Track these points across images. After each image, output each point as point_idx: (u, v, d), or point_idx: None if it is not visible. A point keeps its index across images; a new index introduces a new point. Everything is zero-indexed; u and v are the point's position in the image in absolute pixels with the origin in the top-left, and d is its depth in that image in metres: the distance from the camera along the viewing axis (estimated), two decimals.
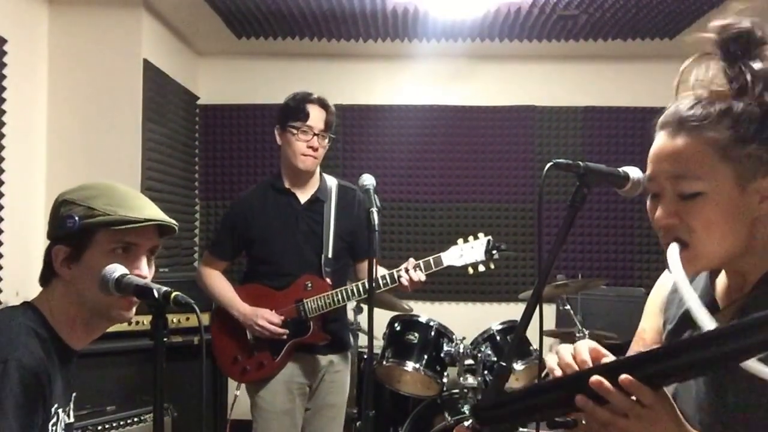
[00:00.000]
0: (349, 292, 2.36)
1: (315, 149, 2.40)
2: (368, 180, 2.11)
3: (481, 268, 2.38)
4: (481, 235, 2.40)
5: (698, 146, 0.91)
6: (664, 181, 0.94)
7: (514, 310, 3.91)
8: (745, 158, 0.89)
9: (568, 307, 3.08)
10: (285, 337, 2.38)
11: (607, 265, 4.21)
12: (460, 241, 2.40)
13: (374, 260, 1.99)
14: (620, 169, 1.07)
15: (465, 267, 2.37)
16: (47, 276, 1.30)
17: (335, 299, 2.36)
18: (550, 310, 3.51)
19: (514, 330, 3.00)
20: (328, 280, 2.41)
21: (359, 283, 2.37)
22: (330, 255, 2.43)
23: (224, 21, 3.70)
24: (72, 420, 1.34)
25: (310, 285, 2.40)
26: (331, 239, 2.44)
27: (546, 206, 4.02)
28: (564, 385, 0.87)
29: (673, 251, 0.92)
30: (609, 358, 0.91)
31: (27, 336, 1.20)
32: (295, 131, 2.39)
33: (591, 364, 0.88)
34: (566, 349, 0.91)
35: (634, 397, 0.82)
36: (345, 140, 4.24)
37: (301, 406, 2.45)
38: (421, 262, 2.33)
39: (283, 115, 2.44)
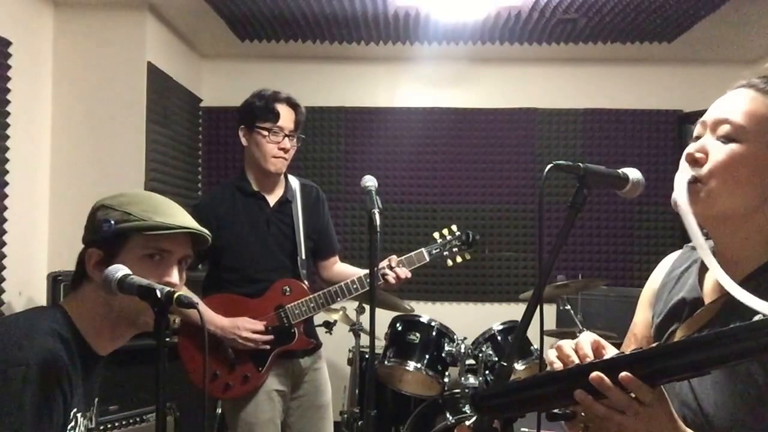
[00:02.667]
0: (333, 294, 2.30)
1: (286, 151, 2.30)
2: (370, 181, 2.07)
3: (459, 259, 2.43)
4: (454, 227, 2.44)
5: (754, 103, 0.95)
6: (711, 122, 0.97)
7: (514, 311, 3.94)
8: None
9: (568, 307, 3.10)
10: (269, 346, 2.27)
11: (607, 265, 4.23)
12: (436, 234, 2.43)
13: (376, 262, 1.96)
14: (620, 171, 1.07)
15: (444, 259, 2.41)
16: (78, 278, 1.30)
17: (319, 303, 2.29)
18: (550, 310, 3.52)
19: (515, 330, 3.01)
20: (305, 282, 2.34)
21: (342, 285, 2.31)
22: (304, 256, 2.36)
23: (227, 24, 3.72)
24: (93, 425, 1.34)
25: (288, 290, 2.30)
26: (303, 240, 2.36)
27: (546, 207, 4.04)
28: (564, 378, 0.87)
29: (681, 176, 0.94)
30: (610, 351, 0.92)
31: (52, 339, 1.20)
32: (265, 133, 2.28)
33: (592, 358, 0.89)
34: (568, 343, 0.92)
35: (632, 394, 0.83)
36: (347, 142, 4.26)
37: (282, 411, 2.36)
38: (403, 258, 2.32)
39: (249, 114, 2.32)
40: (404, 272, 2.28)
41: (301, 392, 2.39)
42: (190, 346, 2.32)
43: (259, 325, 2.26)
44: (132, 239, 1.26)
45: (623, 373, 0.81)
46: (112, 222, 1.25)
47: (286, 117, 2.32)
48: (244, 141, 2.35)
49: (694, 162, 0.96)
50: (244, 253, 2.31)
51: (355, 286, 2.31)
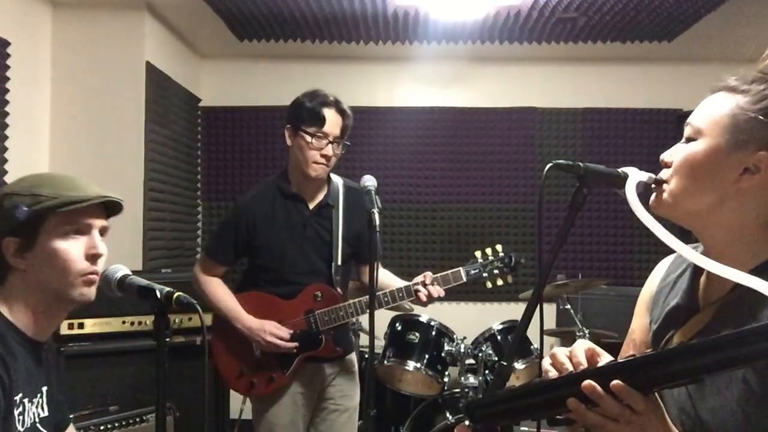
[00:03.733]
0: (364, 305, 2.23)
1: (328, 158, 2.23)
2: (370, 181, 2.08)
3: (500, 282, 2.31)
4: (498, 247, 2.32)
5: (718, 102, 0.96)
6: (685, 128, 1.00)
7: (514, 310, 3.93)
8: (747, 127, 0.92)
9: (568, 306, 3.10)
10: (295, 350, 2.26)
11: (607, 264, 4.23)
12: (478, 253, 2.32)
13: (376, 261, 1.97)
14: (620, 170, 1.06)
15: (483, 281, 2.30)
16: (2, 272, 1.29)
17: (348, 312, 2.25)
18: (550, 310, 3.53)
19: (515, 329, 3.02)
20: (338, 289, 2.31)
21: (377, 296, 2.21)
22: (339, 262, 2.31)
23: (226, 24, 3.71)
24: (47, 414, 1.33)
25: (320, 295, 2.28)
26: (341, 245, 2.31)
27: (546, 207, 4.04)
28: (557, 386, 0.87)
29: (632, 179, 0.98)
30: (605, 358, 0.92)
31: None
32: (308, 138, 2.21)
33: (586, 366, 0.89)
34: (562, 351, 0.92)
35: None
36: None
37: (306, 414, 2.35)
38: (439, 276, 2.23)
39: (296, 115, 2.25)
40: (437, 291, 2.19)
41: (328, 396, 2.37)
42: (222, 343, 2.33)
43: (285, 333, 2.24)
44: (47, 220, 1.25)
45: (614, 382, 0.81)
46: (24, 207, 1.24)
47: (333, 122, 2.24)
48: (288, 141, 2.29)
49: (665, 165, 1.00)
50: (278, 255, 2.29)
51: (386, 299, 2.24)
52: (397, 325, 3.07)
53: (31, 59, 3.16)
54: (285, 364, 2.29)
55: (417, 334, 2.97)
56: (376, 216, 1.96)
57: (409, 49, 4.04)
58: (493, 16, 3.54)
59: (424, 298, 2.19)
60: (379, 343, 3.07)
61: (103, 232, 1.33)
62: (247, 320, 2.26)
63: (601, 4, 3.33)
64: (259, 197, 2.35)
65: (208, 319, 3.15)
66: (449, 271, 2.25)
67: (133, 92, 3.35)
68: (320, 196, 2.33)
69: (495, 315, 3.35)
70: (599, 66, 4.24)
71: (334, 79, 4.21)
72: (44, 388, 1.34)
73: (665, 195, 0.98)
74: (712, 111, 0.96)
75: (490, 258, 2.30)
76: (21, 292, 1.27)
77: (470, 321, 3.47)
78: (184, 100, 3.95)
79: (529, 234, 4.22)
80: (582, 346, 0.92)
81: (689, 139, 0.97)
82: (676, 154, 0.98)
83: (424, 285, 2.20)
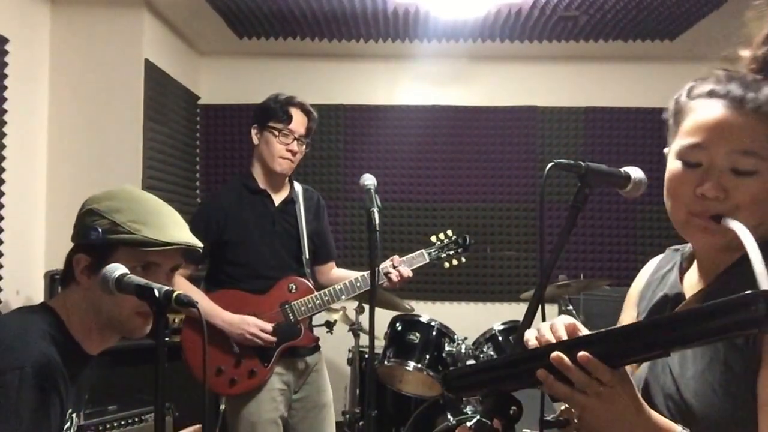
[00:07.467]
0: (338, 291, 2.37)
1: (294, 153, 2.39)
2: (369, 180, 2.09)
3: (455, 262, 2.58)
4: (449, 232, 2.60)
5: (765, 128, 0.92)
6: (720, 153, 0.92)
7: (515, 310, 3.91)
8: None
9: (570, 307, 3.08)
10: (274, 343, 2.33)
11: (609, 265, 4.21)
12: (433, 238, 2.57)
13: (376, 261, 1.98)
14: (622, 170, 1.07)
15: (442, 261, 2.56)
16: (67, 279, 1.30)
17: (324, 300, 2.36)
18: (552, 311, 3.49)
19: (516, 330, 2.99)
20: (311, 280, 2.42)
21: (347, 282, 2.38)
22: (308, 256, 2.44)
23: (226, 21, 3.70)
24: (82, 422, 1.34)
25: (294, 287, 2.37)
26: (306, 240, 2.44)
27: (548, 206, 4.02)
28: (530, 358, 0.88)
29: (739, 225, 0.88)
30: (584, 333, 0.92)
31: (44, 341, 1.20)
32: (276, 133, 2.37)
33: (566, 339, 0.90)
34: (546, 325, 0.92)
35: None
36: (346, 140, 4.24)
37: (284, 411, 2.39)
38: (404, 258, 2.43)
39: (263, 114, 2.42)
40: (407, 271, 2.38)
41: (304, 393, 2.43)
42: (193, 341, 2.34)
43: (267, 325, 2.31)
44: (120, 250, 1.24)
45: (581, 353, 0.81)
46: (100, 231, 1.23)
47: (299, 121, 2.40)
48: (255, 140, 2.44)
49: (713, 200, 0.92)
50: (250, 249, 2.36)
51: (358, 284, 2.38)
52: (398, 325, 3.05)
53: (29, 56, 3.15)
54: (265, 357, 2.33)
55: (417, 335, 2.95)
56: (376, 215, 1.97)
57: (410, 47, 4.02)
58: (494, 14, 3.52)
59: (395, 279, 2.35)
60: (379, 344, 3.05)
61: (174, 269, 1.32)
62: (227, 316, 2.29)
63: (602, 3, 3.32)
64: (225, 194, 2.47)
65: None
66: (413, 254, 2.48)
67: (131, 90, 3.34)
68: (284, 193, 2.46)
69: (496, 315, 3.33)
70: (601, 65, 4.22)
71: (334, 77, 4.19)
72: (85, 397, 1.36)
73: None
74: (760, 136, 0.91)
75: (446, 241, 2.56)
76: (79, 307, 1.27)
77: (471, 321, 3.45)
78: (182, 98, 3.94)
79: (530, 234, 4.20)
80: (563, 320, 0.92)
81: (749, 171, 0.91)
82: (735, 190, 0.91)
83: (394, 267, 2.36)
